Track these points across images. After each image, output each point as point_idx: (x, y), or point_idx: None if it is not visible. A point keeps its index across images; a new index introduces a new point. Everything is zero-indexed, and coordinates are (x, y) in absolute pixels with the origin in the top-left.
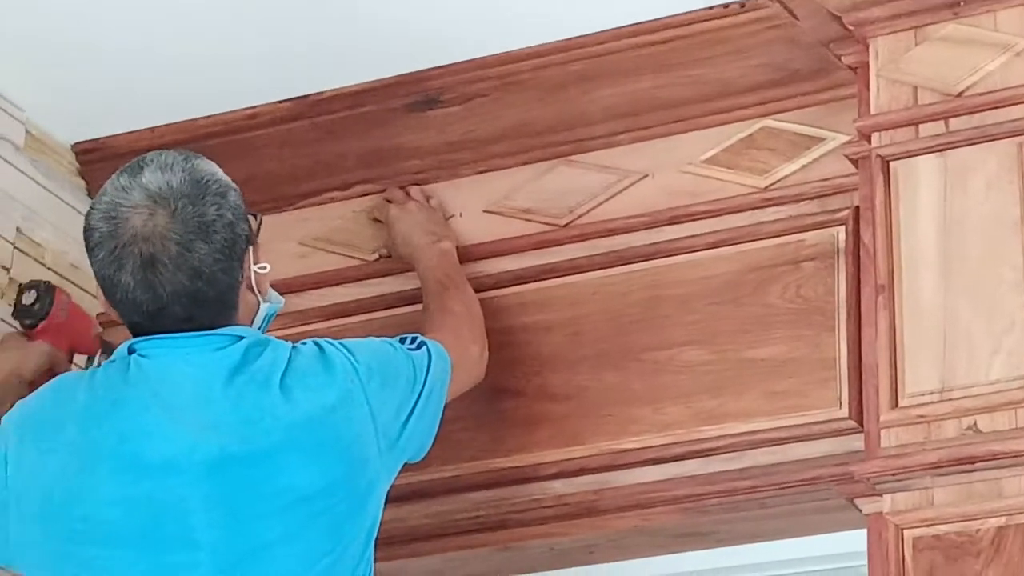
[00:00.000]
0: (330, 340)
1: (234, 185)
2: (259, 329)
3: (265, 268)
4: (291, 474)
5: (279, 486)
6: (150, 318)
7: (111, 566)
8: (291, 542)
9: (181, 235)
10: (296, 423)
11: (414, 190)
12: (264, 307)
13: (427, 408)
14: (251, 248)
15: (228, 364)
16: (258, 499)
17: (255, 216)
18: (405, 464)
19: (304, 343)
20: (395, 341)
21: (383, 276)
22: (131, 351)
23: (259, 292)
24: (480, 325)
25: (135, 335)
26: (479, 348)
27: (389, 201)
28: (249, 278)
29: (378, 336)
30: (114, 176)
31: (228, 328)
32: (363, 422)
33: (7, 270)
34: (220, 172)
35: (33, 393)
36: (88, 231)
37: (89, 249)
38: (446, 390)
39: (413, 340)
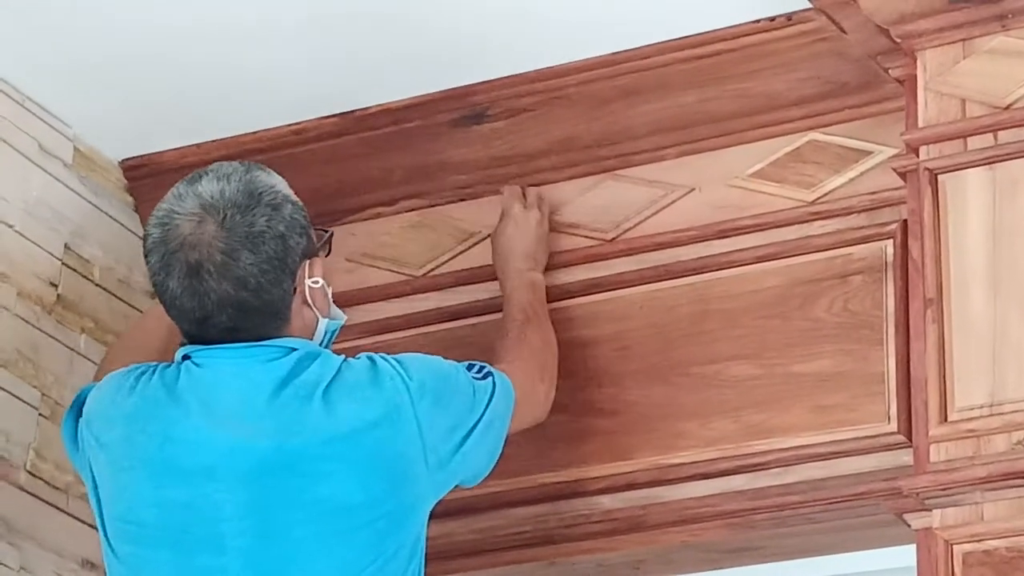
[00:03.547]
0: (385, 355)
1: (294, 199)
2: (322, 344)
3: (318, 283)
4: (330, 485)
5: (316, 496)
6: (197, 325)
7: (144, 565)
8: (327, 553)
9: (227, 244)
10: (337, 435)
11: (545, 204)
12: (323, 323)
13: (486, 438)
14: (309, 262)
15: (276, 376)
16: (294, 508)
17: (325, 231)
18: None
19: (359, 357)
20: (461, 365)
21: (429, 291)
22: (185, 357)
23: (316, 307)
24: (553, 364)
25: (190, 342)
26: (546, 388)
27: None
28: (303, 292)
29: (428, 350)
30: (177, 184)
31: (282, 340)
32: (410, 439)
33: (55, 286)
34: (281, 184)
35: (101, 382)
36: (144, 237)
37: (144, 255)
38: (507, 424)
39: (480, 369)
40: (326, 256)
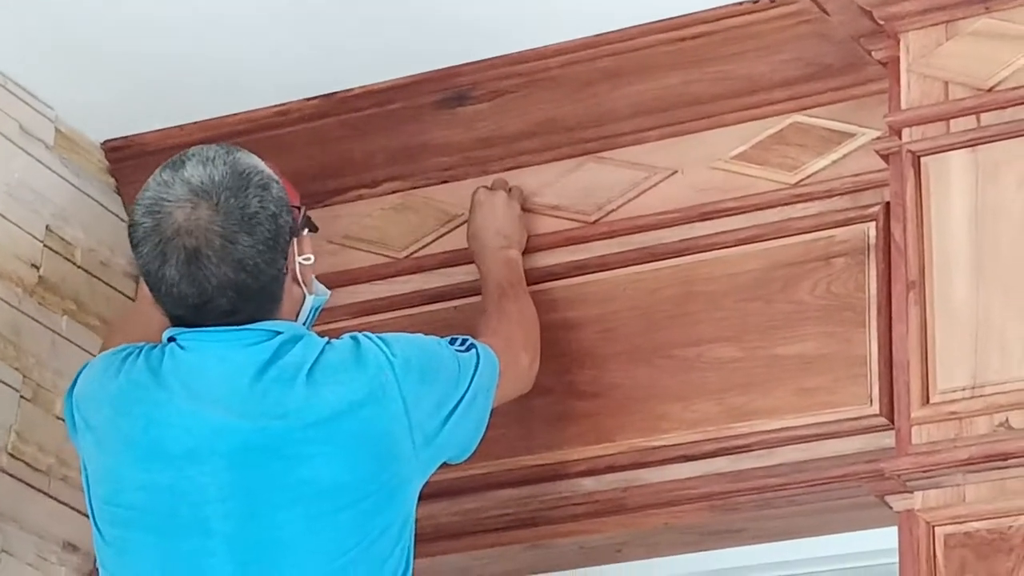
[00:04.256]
0: (368, 334)
1: (276, 177)
2: (306, 322)
3: (309, 259)
4: (314, 467)
5: (300, 478)
6: (195, 311)
7: (131, 548)
8: (312, 535)
9: (224, 227)
10: (321, 418)
11: (516, 189)
12: (310, 299)
13: (471, 410)
14: (295, 240)
15: (259, 360)
16: (277, 490)
17: (299, 208)
18: None
19: (342, 338)
20: (444, 340)
21: (412, 273)
22: (171, 340)
23: (304, 284)
24: (535, 335)
25: (177, 325)
26: (529, 357)
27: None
28: (294, 270)
29: (411, 332)
30: (156, 171)
31: (267, 323)
32: (395, 417)
33: (37, 268)
34: (262, 164)
35: (93, 362)
36: (132, 227)
37: (133, 245)
38: (492, 395)
39: (463, 342)
40: (311, 231)
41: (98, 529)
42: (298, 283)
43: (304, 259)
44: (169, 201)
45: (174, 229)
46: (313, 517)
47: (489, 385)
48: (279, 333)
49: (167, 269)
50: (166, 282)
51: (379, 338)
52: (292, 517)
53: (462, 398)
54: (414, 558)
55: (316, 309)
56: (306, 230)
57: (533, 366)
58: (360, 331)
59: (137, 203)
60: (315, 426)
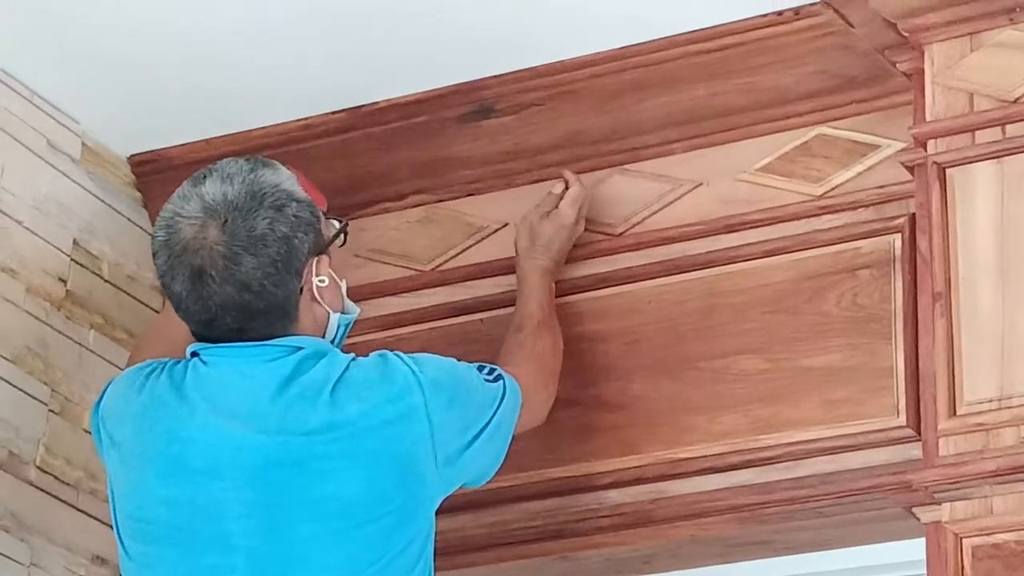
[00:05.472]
0: (399, 353)
1: (300, 195)
2: (334, 339)
3: (324, 282)
4: (335, 483)
5: (321, 494)
6: (204, 327)
7: (154, 563)
8: (333, 550)
9: (228, 248)
10: (344, 434)
11: (580, 191)
12: (335, 318)
13: (493, 439)
14: (316, 260)
15: (280, 375)
16: (298, 506)
17: (340, 221)
18: None
19: (370, 355)
20: (473, 366)
21: (438, 286)
22: (194, 355)
23: (326, 303)
24: (557, 370)
25: (199, 340)
26: (548, 395)
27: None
28: (312, 290)
29: (437, 345)
30: (184, 183)
31: (288, 339)
32: (420, 437)
33: (64, 282)
34: (287, 182)
35: (118, 378)
36: (153, 237)
37: (152, 255)
38: (514, 426)
39: (491, 371)
40: (341, 245)
41: (122, 544)
42: (318, 302)
43: (319, 281)
44: (183, 216)
45: (182, 246)
46: (334, 533)
47: (512, 416)
48: (300, 349)
49: (175, 285)
50: (175, 297)
51: (410, 358)
52: (313, 533)
53: (486, 426)
54: (435, 571)
55: (346, 327)
56: (342, 237)
57: (548, 403)
58: (387, 343)
59: (160, 214)
60: (337, 442)
